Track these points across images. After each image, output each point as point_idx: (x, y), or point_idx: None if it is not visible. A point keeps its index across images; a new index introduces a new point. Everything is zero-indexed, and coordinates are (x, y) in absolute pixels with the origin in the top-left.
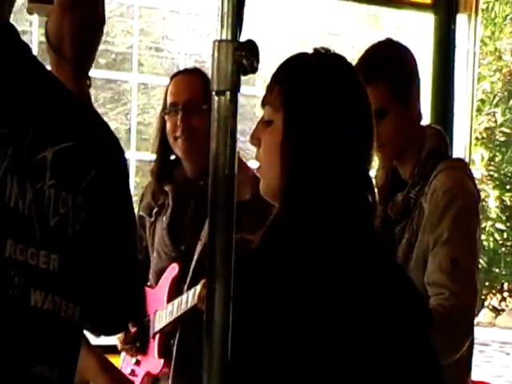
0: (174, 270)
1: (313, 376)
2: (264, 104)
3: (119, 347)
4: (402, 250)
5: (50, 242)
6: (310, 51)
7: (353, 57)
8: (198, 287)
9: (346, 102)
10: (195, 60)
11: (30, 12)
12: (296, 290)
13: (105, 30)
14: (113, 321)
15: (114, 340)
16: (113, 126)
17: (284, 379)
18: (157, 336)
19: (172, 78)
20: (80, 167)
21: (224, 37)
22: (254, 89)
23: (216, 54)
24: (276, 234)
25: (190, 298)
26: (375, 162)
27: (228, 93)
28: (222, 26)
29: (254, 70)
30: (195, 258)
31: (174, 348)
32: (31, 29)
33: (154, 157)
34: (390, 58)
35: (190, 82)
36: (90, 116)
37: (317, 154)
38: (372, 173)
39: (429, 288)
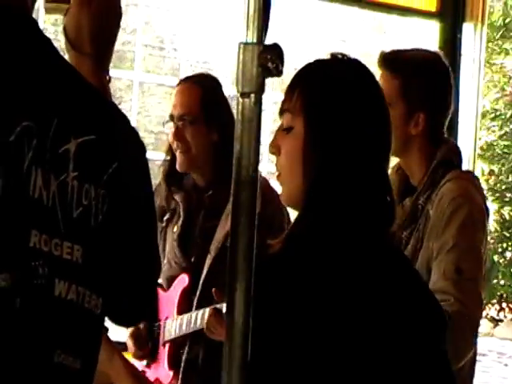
0: (183, 281)
1: (331, 380)
2: (282, 112)
3: (129, 346)
4: (408, 255)
5: (73, 233)
6: (327, 57)
7: None
8: (207, 313)
9: (365, 105)
10: (197, 61)
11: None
12: (318, 295)
13: None
14: (130, 311)
15: (122, 337)
16: None
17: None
18: (167, 345)
19: (177, 85)
20: (102, 160)
21: (250, 39)
22: None
23: (241, 57)
24: (299, 238)
25: (198, 319)
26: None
27: (253, 95)
28: (248, 29)
29: (279, 73)
30: (205, 271)
31: (182, 362)
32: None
33: (153, 155)
34: (421, 69)
35: (187, 93)
36: (110, 110)
37: (339, 158)
38: None
39: None
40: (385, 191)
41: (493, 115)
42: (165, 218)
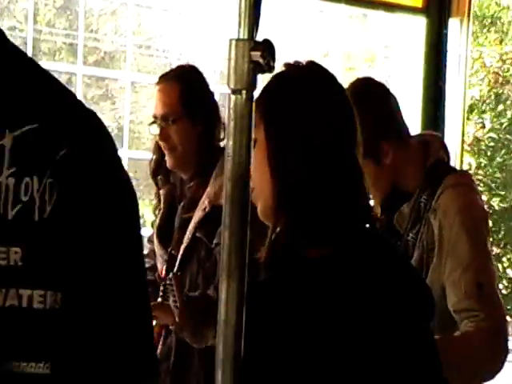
0: (161, 274)
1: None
2: None
3: None
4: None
5: (9, 236)
6: (282, 68)
7: (338, 58)
8: None
9: (322, 102)
10: (187, 60)
11: None
12: (303, 306)
13: (95, 28)
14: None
15: None
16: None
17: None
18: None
19: (157, 83)
20: (47, 148)
21: (241, 36)
22: None
23: (233, 53)
24: (280, 253)
25: None
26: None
27: (244, 92)
28: (239, 25)
29: (270, 69)
30: (177, 261)
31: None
32: (24, 26)
33: (145, 154)
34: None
35: (166, 91)
36: (58, 94)
37: (302, 155)
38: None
39: (458, 315)
40: (356, 184)
41: (484, 107)
42: (156, 213)
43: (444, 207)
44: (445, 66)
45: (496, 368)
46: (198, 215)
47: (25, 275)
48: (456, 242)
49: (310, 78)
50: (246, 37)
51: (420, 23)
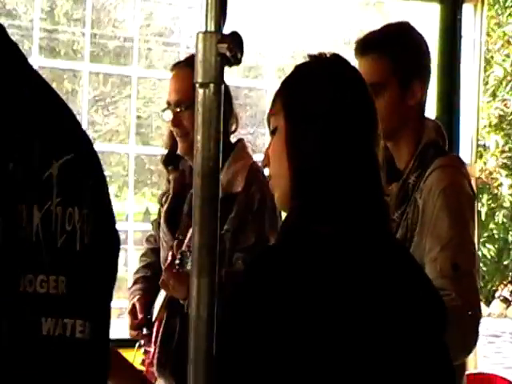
0: (168, 259)
1: (320, 372)
2: (269, 120)
3: (129, 334)
4: None
5: (58, 264)
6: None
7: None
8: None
9: (343, 93)
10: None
11: None
12: (313, 287)
13: (103, 23)
14: None
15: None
16: (113, 119)
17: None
18: (156, 323)
19: (171, 70)
20: (81, 179)
21: (208, 28)
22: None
23: (200, 46)
24: (292, 228)
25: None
26: None
27: (212, 85)
28: (207, 18)
29: (237, 61)
30: (185, 244)
31: (159, 336)
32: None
33: (153, 150)
34: (401, 38)
35: (180, 78)
36: (74, 119)
37: (321, 145)
38: None
39: None
40: (374, 173)
41: (509, 86)
42: (163, 201)
43: (430, 186)
44: (459, 51)
45: (464, 348)
46: None
47: (68, 304)
48: (437, 220)
49: (331, 68)
50: (212, 29)
51: (434, 10)
